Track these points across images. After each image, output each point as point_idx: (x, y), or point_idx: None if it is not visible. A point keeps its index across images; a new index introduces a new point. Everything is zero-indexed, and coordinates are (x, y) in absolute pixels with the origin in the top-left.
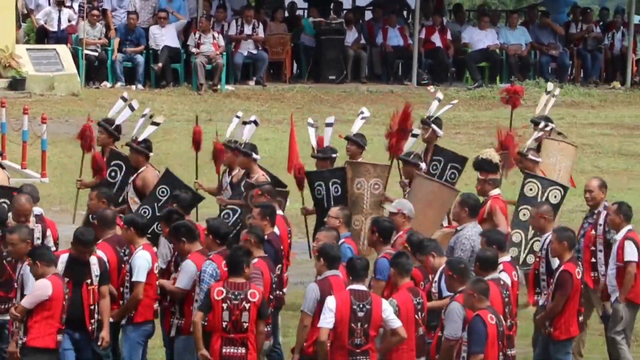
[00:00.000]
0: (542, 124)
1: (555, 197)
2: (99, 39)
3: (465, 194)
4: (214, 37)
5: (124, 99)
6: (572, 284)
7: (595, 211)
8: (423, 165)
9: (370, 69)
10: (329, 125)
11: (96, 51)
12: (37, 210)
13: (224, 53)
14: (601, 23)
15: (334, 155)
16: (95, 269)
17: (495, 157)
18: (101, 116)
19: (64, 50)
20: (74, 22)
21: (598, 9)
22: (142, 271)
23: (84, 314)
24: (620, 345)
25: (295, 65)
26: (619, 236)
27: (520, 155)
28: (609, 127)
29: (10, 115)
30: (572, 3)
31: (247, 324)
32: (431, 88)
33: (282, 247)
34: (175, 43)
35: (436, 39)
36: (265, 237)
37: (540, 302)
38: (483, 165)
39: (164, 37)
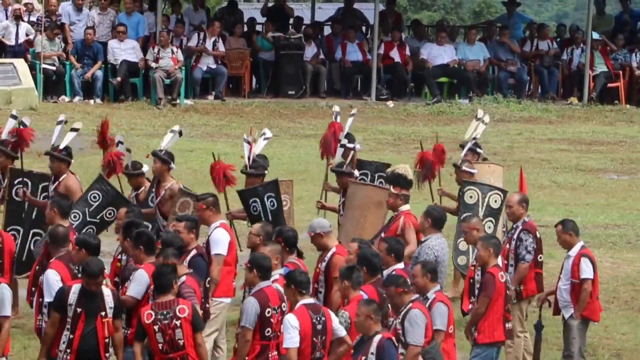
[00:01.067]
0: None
1: (495, 201)
2: (57, 52)
3: (430, 205)
4: (172, 52)
5: (14, 117)
6: (494, 285)
7: (514, 226)
8: (356, 173)
9: (329, 84)
10: (266, 139)
11: (54, 65)
12: None
13: (183, 67)
14: (558, 39)
15: (265, 172)
16: (109, 301)
17: (410, 174)
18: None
19: (21, 65)
20: (31, 36)
21: (555, 25)
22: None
23: (99, 347)
24: None
25: (254, 80)
26: (572, 252)
27: (455, 167)
28: (567, 142)
29: None
30: (529, 20)
31: (182, 341)
32: (390, 103)
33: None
34: (133, 57)
35: (395, 55)
36: (195, 251)
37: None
38: (398, 180)
39: (123, 51)
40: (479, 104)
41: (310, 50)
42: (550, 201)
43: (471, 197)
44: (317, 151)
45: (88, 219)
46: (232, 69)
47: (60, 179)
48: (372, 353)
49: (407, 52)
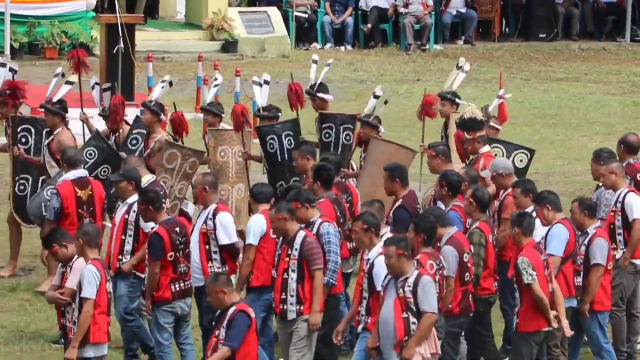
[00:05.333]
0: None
1: (521, 160)
2: (308, 0)
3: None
4: None
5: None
6: None
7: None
8: (382, 129)
9: (581, 26)
10: (266, 83)
11: (306, 12)
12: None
13: (433, 12)
14: None
15: (279, 114)
16: None
17: (478, 114)
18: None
19: (274, 13)
20: None
21: None
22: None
23: None
24: None
25: (504, 23)
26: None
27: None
28: None
29: (223, 77)
30: None
31: None
32: None
33: None
34: (384, 3)
35: None
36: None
37: (618, 256)
38: (469, 125)
39: None
40: None
41: None
42: None
43: (496, 155)
44: (569, 95)
45: None
46: (481, 13)
47: (54, 134)
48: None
49: None
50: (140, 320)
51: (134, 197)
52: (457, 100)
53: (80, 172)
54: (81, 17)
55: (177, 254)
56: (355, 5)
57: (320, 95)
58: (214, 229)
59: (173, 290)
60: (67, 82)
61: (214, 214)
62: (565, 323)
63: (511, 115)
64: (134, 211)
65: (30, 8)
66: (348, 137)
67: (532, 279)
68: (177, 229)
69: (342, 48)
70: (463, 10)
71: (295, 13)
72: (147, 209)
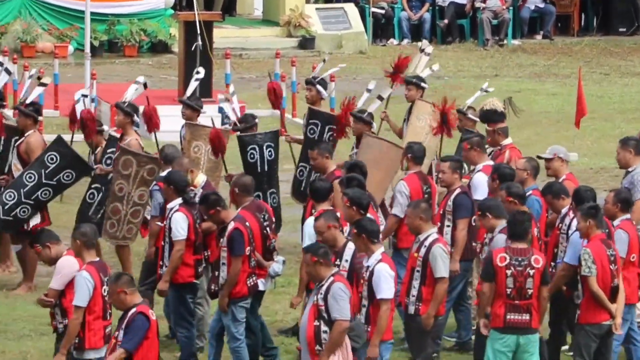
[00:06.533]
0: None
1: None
2: None
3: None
4: None
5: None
6: None
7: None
8: (375, 126)
9: None
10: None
11: (383, 8)
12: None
13: (511, 7)
14: None
15: (256, 121)
16: None
17: (499, 106)
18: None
19: (351, 9)
20: None
21: None
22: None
23: None
24: None
25: (583, 17)
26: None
27: (460, 112)
28: None
29: (300, 74)
30: None
31: (531, 291)
32: None
33: None
34: None
35: None
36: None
37: None
38: (489, 116)
39: None
40: None
41: None
42: None
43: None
44: None
45: (44, 180)
46: (560, 7)
47: (25, 136)
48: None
49: None
50: (192, 330)
51: (176, 202)
52: (422, 84)
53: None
54: (160, 15)
55: (251, 247)
56: (433, 1)
57: (318, 87)
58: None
59: (248, 285)
60: (41, 84)
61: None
62: (618, 321)
63: (590, 109)
64: (169, 218)
65: (110, 6)
66: (331, 137)
67: (590, 271)
68: (256, 217)
69: (419, 44)
70: (541, 4)
71: (372, 9)
72: (216, 212)
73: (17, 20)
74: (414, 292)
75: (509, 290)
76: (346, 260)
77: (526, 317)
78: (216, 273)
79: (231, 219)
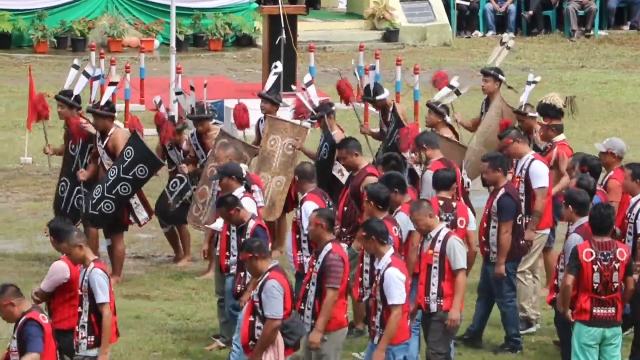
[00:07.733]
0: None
1: None
2: None
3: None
4: None
5: (76, 67)
6: None
7: None
8: (448, 119)
9: None
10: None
11: (468, 1)
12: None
13: None
14: None
15: (333, 109)
16: None
17: (559, 102)
18: (472, 65)
19: (436, 1)
20: None
21: None
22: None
23: None
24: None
25: None
26: None
27: (519, 114)
28: None
29: (384, 67)
30: None
31: (616, 284)
32: None
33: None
34: None
35: None
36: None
37: None
38: (546, 110)
39: None
40: None
41: None
42: None
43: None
44: None
45: (121, 175)
46: None
47: (109, 134)
48: None
49: None
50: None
51: (239, 191)
52: (500, 77)
53: None
54: (244, 9)
55: None
56: None
57: (501, 77)
58: (300, 217)
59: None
60: (111, 84)
61: (301, 203)
62: None
63: None
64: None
65: (195, 0)
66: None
67: None
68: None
69: (505, 35)
70: None
71: (457, 1)
72: (236, 212)
73: (104, 15)
74: (434, 289)
75: (595, 285)
76: (318, 262)
77: (612, 310)
78: (242, 274)
79: (249, 217)
